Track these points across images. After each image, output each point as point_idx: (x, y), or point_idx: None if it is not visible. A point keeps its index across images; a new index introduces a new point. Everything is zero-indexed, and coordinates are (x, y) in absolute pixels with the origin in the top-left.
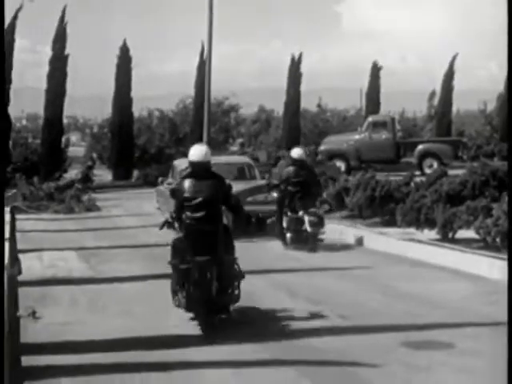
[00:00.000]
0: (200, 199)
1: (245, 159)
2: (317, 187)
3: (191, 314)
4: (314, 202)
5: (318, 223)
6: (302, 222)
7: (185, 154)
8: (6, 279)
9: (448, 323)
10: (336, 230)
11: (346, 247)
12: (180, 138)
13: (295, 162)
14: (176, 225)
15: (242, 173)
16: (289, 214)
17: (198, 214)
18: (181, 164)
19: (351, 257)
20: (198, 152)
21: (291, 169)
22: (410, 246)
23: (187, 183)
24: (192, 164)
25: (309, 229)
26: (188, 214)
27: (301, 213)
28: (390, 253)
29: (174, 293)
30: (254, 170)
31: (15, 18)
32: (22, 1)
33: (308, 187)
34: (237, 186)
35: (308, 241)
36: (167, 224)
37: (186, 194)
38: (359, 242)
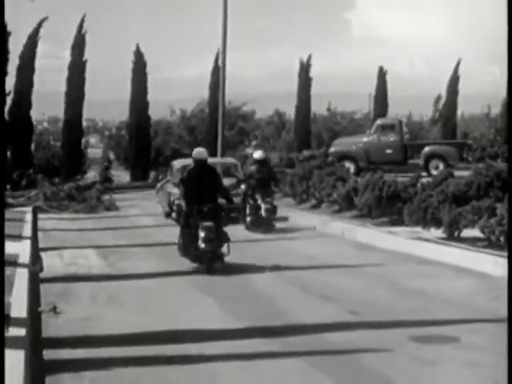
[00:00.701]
0: (203, 186)
1: (231, 160)
2: (274, 181)
3: (196, 266)
4: (271, 193)
5: (272, 210)
6: (259, 208)
7: None
8: (28, 276)
9: (454, 319)
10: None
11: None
12: (198, 141)
13: (257, 162)
14: (173, 215)
15: (228, 170)
16: (250, 202)
17: (201, 196)
18: (177, 164)
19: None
20: (199, 152)
21: (254, 167)
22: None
23: (192, 174)
24: (195, 160)
25: (264, 214)
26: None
27: (259, 201)
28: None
29: (184, 249)
30: (238, 168)
31: (40, 26)
32: (46, 14)
33: (267, 181)
34: (224, 182)
35: (263, 224)
36: (166, 214)
37: (191, 181)
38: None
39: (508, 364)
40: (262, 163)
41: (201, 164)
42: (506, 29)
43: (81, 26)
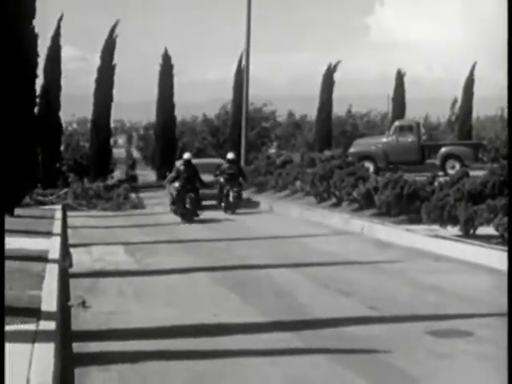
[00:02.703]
0: (187, 174)
1: (218, 160)
2: (242, 176)
3: (181, 219)
4: (238, 184)
5: (237, 197)
6: (229, 196)
7: (222, 156)
8: (58, 271)
9: (469, 313)
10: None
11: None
12: (220, 142)
13: (229, 161)
14: (173, 203)
15: (213, 168)
16: (224, 191)
17: (186, 180)
18: (178, 163)
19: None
20: (187, 155)
21: (226, 165)
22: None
23: (182, 167)
24: (184, 160)
25: (231, 200)
26: (182, 180)
27: (229, 191)
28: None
29: (175, 211)
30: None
31: (59, 26)
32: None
33: (236, 176)
34: (208, 177)
35: (232, 207)
36: (170, 203)
37: (182, 171)
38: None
39: (508, 358)
40: (232, 162)
41: (187, 162)
42: (507, 30)
43: (112, 31)
